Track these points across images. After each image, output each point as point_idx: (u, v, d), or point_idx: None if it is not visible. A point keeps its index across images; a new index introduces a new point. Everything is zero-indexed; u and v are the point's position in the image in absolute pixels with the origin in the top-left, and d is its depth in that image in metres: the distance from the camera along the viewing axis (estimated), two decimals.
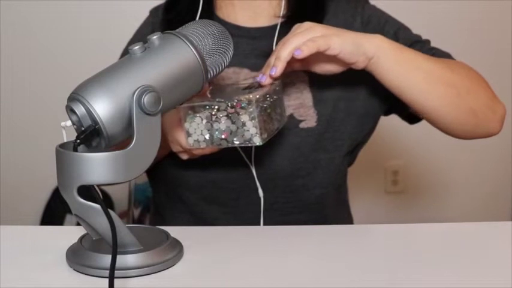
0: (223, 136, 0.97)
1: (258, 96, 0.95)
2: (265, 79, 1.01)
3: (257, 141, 0.96)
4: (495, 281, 0.83)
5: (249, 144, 0.97)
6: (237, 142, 0.97)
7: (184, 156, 1.08)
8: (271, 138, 0.99)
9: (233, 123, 0.96)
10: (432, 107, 1.09)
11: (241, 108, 0.95)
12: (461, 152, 2.52)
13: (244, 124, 0.95)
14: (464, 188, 2.60)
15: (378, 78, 1.06)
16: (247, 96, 0.95)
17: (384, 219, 2.51)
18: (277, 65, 0.99)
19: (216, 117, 0.96)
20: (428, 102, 1.08)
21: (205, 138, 0.98)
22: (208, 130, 0.97)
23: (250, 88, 1.01)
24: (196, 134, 0.98)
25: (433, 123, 1.13)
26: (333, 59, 1.03)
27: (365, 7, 1.22)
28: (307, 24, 1.03)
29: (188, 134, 0.99)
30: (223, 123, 0.96)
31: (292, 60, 1.00)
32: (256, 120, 0.95)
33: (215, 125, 0.96)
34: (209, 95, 1.00)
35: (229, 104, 0.95)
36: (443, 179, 2.59)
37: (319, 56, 1.02)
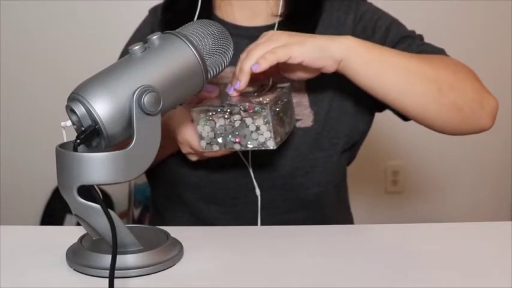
0: (236, 140, 0.96)
1: (269, 100, 0.95)
2: (231, 91, 0.99)
3: (271, 145, 0.96)
4: (495, 281, 0.83)
5: (263, 148, 0.96)
6: (250, 146, 0.96)
7: (194, 158, 1.08)
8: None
9: (247, 127, 0.95)
10: (412, 105, 1.07)
11: (255, 112, 0.94)
12: (462, 152, 2.52)
13: (258, 128, 0.95)
14: (464, 188, 2.60)
15: (351, 79, 1.05)
16: (259, 100, 0.95)
17: (384, 219, 2.51)
18: (240, 78, 0.98)
19: (230, 120, 0.96)
20: (406, 100, 1.06)
21: (218, 142, 0.98)
22: (222, 134, 0.97)
23: (258, 91, 1.01)
24: (209, 137, 0.98)
25: (416, 120, 1.11)
26: (301, 66, 1.01)
27: (359, 4, 1.22)
28: (271, 33, 1.02)
29: (201, 137, 0.98)
30: (237, 127, 0.96)
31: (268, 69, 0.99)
32: (271, 124, 0.94)
33: (228, 129, 0.96)
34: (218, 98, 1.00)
35: (242, 107, 0.95)
36: (443, 179, 2.59)
37: (287, 64, 1.00)
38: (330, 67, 1.02)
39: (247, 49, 1.01)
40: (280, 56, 0.98)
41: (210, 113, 0.96)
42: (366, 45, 1.04)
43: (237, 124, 0.96)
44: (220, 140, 0.97)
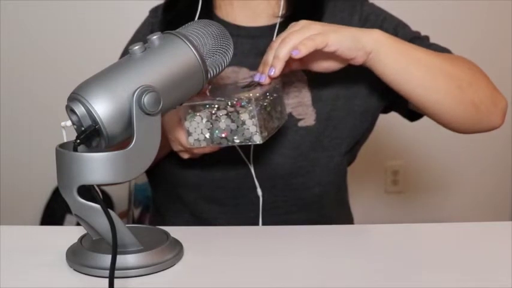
0: (223, 135, 0.97)
1: (257, 95, 0.95)
2: (264, 79, 1.00)
3: (257, 139, 0.96)
4: (495, 281, 0.83)
5: (249, 143, 0.97)
6: (237, 141, 0.97)
7: (185, 156, 1.08)
8: (271, 136, 0.99)
9: (233, 121, 0.96)
10: (433, 100, 1.08)
11: (241, 106, 0.95)
12: (461, 152, 2.52)
13: (244, 123, 0.96)
14: (464, 188, 2.60)
15: (377, 73, 1.05)
16: (246, 95, 0.95)
17: (384, 219, 2.51)
18: (276, 65, 0.99)
19: (216, 116, 0.96)
20: (429, 96, 1.07)
21: (205, 137, 0.98)
22: (209, 129, 0.97)
23: (249, 87, 1.01)
24: (197, 133, 0.98)
25: (433, 117, 1.12)
26: (331, 56, 1.02)
27: (363, 5, 1.22)
28: (303, 22, 1.02)
29: (188, 133, 0.99)
30: (223, 122, 0.96)
31: (290, 60, 0.99)
32: (256, 118, 0.95)
33: (215, 124, 0.97)
34: (208, 94, 1.00)
35: (229, 102, 0.95)
36: (443, 179, 2.59)
37: (317, 54, 1.01)
38: (360, 58, 1.02)
39: (281, 36, 1.01)
40: (318, 43, 0.98)
41: (197, 109, 0.97)
42: (394, 40, 1.05)
43: (223, 119, 0.96)
44: (207, 135, 0.98)
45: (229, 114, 0.96)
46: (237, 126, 0.96)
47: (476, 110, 1.10)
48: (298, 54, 0.97)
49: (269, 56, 1.01)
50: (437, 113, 1.10)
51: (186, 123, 0.99)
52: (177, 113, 1.02)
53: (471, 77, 1.10)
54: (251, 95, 0.95)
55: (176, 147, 1.07)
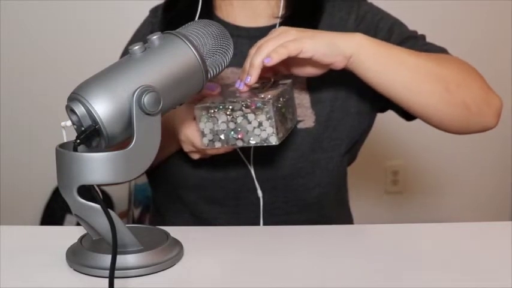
0: (239, 136, 0.97)
1: (270, 96, 0.95)
2: (242, 87, 1.00)
3: (273, 140, 0.96)
4: (495, 281, 0.83)
5: (265, 144, 0.97)
6: (253, 142, 0.97)
7: (196, 156, 1.08)
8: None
9: (249, 123, 0.96)
10: (419, 103, 1.07)
11: (257, 108, 0.95)
12: (461, 153, 2.52)
13: (260, 124, 0.96)
14: (464, 188, 2.60)
15: (360, 76, 1.05)
16: (262, 96, 0.95)
17: (384, 219, 2.51)
18: (251, 73, 0.99)
19: (232, 117, 0.96)
20: (414, 99, 1.07)
21: (220, 138, 0.98)
22: (224, 130, 0.97)
23: (260, 88, 1.01)
24: (212, 134, 0.98)
25: (423, 119, 1.12)
26: (311, 61, 1.02)
27: (360, 4, 1.22)
28: (281, 28, 1.02)
29: (203, 134, 0.99)
30: (239, 123, 0.96)
31: (275, 65, 0.99)
32: (273, 120, 0.95)
33: (231, 125, 0.97)
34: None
35: (243, 104, 0.95)
36: (443, 179, 2.59)
37: (297, 60, 1.01)
38: (340, 63, 1.02)
39: (257, 44, 1.01)
40: (291, 50, 0.98)
41: (212, 110, 0.97)
42: (376, 43, 1.04)
43: (239, 120, 0.96)
44: (222, 136, 0.98)
45: (246, 115, 0.95)
46: (254, 128, 0.96)
47: (466, 110, 1.09)
48: (270, 62, 0.97)
49: (247, 64, 1.01)
50: (425, 115, 1.10)
51: (201, 125, 0.98)
52: (189, 113, 1.02)
53: (461, 78, 1.09)
54: (263, 95, 0.95)
55: (187, 148, 1.07)
